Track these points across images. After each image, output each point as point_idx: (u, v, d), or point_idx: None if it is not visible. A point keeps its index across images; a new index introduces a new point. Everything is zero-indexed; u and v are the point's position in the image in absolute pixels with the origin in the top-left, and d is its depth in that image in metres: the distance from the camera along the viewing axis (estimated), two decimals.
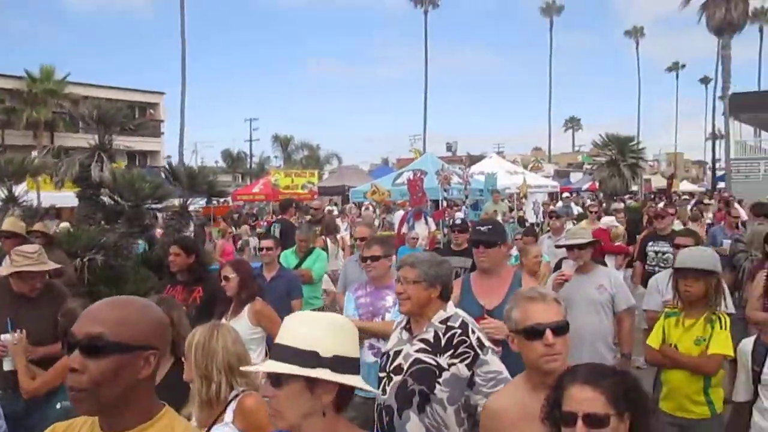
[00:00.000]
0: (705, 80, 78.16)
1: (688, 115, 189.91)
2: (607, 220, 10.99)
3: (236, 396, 2.93)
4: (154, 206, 8.25)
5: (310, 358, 1.90)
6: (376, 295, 4.60)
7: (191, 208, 9.27)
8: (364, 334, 4.51)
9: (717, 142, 51.29)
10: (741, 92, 38.78)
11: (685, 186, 45.71)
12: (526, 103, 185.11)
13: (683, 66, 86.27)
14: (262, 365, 2.21)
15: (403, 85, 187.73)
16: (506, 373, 3.03)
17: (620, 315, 5.02)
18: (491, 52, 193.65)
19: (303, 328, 1.99)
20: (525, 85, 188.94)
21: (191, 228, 8.74)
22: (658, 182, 42.46)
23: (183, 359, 3.15)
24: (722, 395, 3.98)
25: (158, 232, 9.59)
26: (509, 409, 2.45)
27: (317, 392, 1.90)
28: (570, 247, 5.21)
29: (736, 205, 15.55)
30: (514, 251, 8.19)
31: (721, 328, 3.86)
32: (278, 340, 2.00)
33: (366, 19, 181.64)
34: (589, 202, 23.98)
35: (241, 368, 2.88)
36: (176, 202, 8.67)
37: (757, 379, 3.43)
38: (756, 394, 3.46)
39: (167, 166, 12.64)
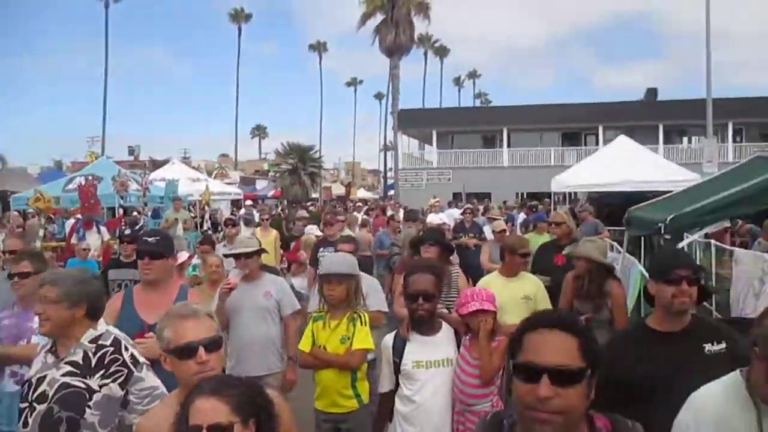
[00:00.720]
0: (379, 96, 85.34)
1: (365, 127, 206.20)
2: (308, 229, 11.52)
3: None
4: None
5: None
6: (24, 317, 4.18)
7: None
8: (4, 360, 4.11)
9: (389, 153, 56.10)
10: (407, 109, 43.17)
11: (362, 193, 49.19)
12: (215, 109, 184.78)
13: (361, 82, 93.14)
14: None
15: (83, 81, 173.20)
16: (163, 389, 2.99)
17: (286, 319, 5.23)
18: (180, 54, 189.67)
19: None
20: (213, 91, 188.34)
21: None
22: (338, 190, 45.23)
23: None
24: (368, 387, 4.38)
25: None
26: (161, 426, 2.41)
27: None
28: (237, 256, 5.28)
29: (402, 210, 17.20)
30: (196, 260, 8.10)
31: (361, 324, 4.27)
32: None
33: (40, 8, 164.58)
34: (277, 210, 24.68)
35: None
36: None
37: (397, 369, 3.81)
38: (398, 384, 3.84)
39: None
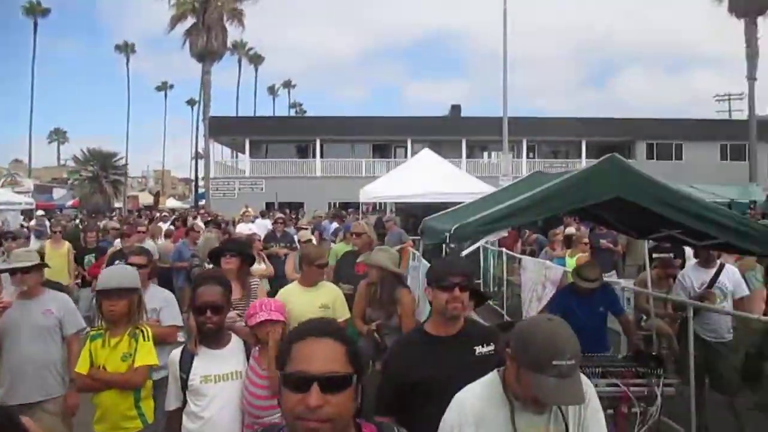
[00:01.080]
0: (191, 102, 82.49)
1: (176, 134, 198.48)
2: (117, 243, 10.86)
3: None
4: None
5: None
6: None
7: None
8: None
9: (200, 161, 54.54)
10: (220, 116, 42.22)
11: (171, 203, 47.31)
12: (7, 110, 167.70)
13: (172, 86, 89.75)
14: None
15: None
16: None
17: (69, 339, 4.90)
18: None
19: None
20: (5, 90, 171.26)
21: None
22: (146, 199, 43.26)
23: None
24: (152, 405, 4.19)
25: None
26: None
27: None
28: (13, 271, 4.85)
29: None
30: None
31: (144, 340, 4.10)
32: None
33: None
34: (74, 221, 23.10)
35: None
36: None
37: (185, 385, 3.68)
38: (185, 401, 3.71)
39: None
